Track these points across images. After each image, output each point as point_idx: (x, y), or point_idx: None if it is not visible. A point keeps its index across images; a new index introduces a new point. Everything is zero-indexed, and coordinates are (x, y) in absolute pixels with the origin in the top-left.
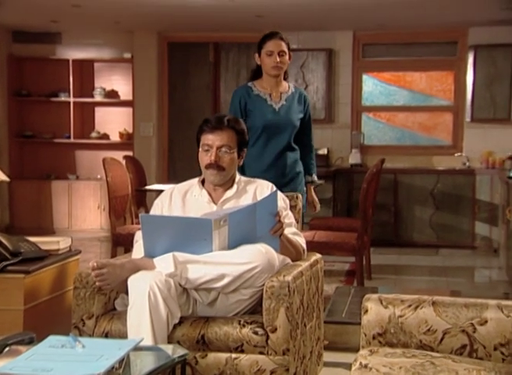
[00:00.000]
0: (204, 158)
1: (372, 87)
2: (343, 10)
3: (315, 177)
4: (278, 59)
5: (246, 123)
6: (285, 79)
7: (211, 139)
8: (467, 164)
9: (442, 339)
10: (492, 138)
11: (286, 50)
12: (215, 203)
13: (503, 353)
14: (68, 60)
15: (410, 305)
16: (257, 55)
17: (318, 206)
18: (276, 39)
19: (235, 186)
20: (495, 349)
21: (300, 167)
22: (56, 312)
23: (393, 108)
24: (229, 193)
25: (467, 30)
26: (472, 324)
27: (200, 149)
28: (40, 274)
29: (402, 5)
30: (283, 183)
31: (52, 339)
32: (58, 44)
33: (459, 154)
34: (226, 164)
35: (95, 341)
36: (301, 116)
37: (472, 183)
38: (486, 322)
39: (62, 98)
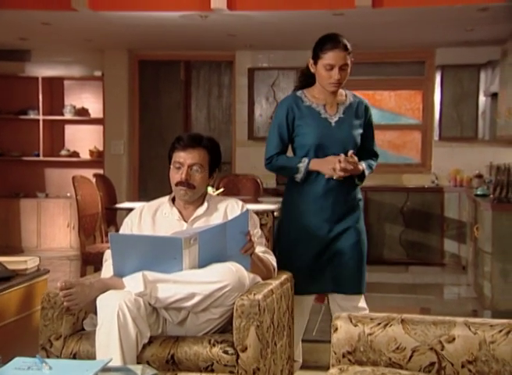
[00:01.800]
0: (175, 175)
1: None
2: (313, 30)
3: (364, 169)
4: (339, 76)
5: (294, 141)
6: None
7: (183, 157)
8: (436, 182)
9: (411, 357)
10: (459, 157)
11: (348, 62)
12: (186, 221)
13: (470, 370)
14: (37, 78)
15: (379, 323)
16: (311, 61)
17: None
18: (339, 50)
19: (205, 203)
20: (462, 367)
21: (360, 194)
22: (23, 333)
23: None
24: (200, 211)
25: (435, 51)
26: (440, 342)
27: (172, 166)
28: (7, 295)
29: (371, 26)
30: (342, 212)
31: (18, 361)
32: (28, 61)
33: (428, 172)
34: (197, 183)
35: (62, 363)
36: (361, 131)
37: (441, 201)
38: (454, 339)
39: (32, 115)
